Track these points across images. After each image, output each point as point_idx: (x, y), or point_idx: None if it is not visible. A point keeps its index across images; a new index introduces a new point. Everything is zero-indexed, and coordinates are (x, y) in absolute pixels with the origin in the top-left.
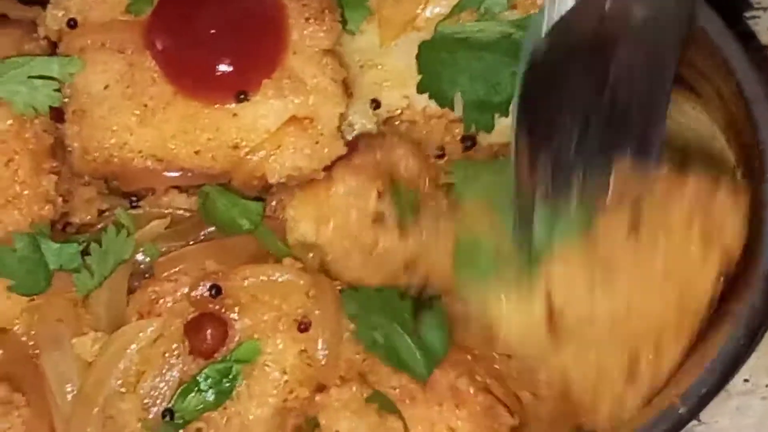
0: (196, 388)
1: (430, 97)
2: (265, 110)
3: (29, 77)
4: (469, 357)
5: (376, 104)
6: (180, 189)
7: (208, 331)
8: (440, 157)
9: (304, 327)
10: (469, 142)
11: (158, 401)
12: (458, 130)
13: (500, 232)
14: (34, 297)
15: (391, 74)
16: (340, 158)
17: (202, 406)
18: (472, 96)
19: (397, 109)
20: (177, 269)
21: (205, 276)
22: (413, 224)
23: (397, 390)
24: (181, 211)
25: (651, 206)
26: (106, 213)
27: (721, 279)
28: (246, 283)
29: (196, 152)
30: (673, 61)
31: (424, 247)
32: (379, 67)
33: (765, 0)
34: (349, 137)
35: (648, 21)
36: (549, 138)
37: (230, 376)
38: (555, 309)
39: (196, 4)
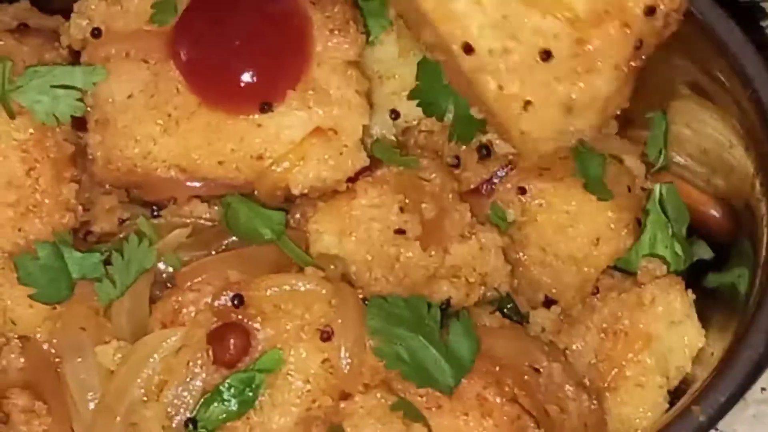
0: (219, 398)
1: (419, 104)
2: (290, 121)
3: (51, 86)
4: (497, 368)
5: (395, 114)
6: (201, 198)
7: (231, 341)
8: (455, 166)
9: (326, 336)
10: (484, 151)
11: (181, 410)
12: (474, 140)
13: None
14: (56, 305)
15: (410, 84)
16: (363, 170)
17: (225, 415)
18: (462, 111)
19: (414, 119)
20: (199, 279)
21: (227, 286)
22: None
23: (424, 398)
24: (202, 221)
25: None
26: (127, 222)
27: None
28: (268, 292)
29: (220, 162)
30: None
31: None
32: (398, 77)
33: None
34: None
35: None
36: None
37: (253, 386)
38: None
39: (220, 14)
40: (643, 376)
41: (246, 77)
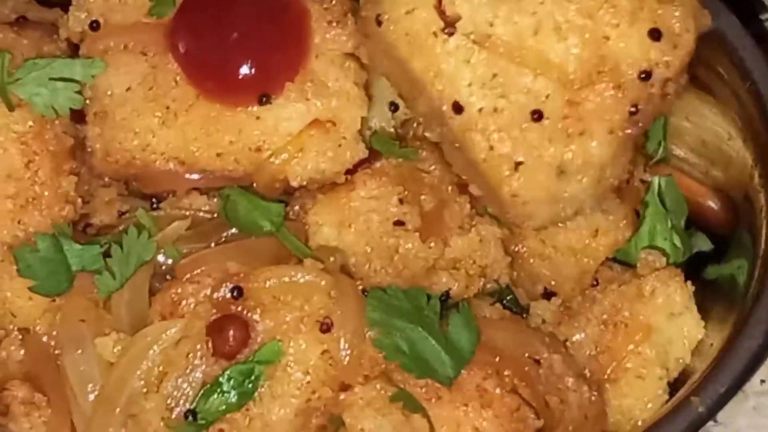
0: (219, 389)
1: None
2: (288, 113)
3: (50, 79)
4: (497, 359)
5: (394, 106)
6: (200, 191)
7: (231, 333)
8: None
9: (326, 327)
10: None
11: (181, 402)
12: None
13: None
14: (56, 298)
15: None
16: (361, 162)
17: (224, 407)
18: None
19: None
20: (199, 271)
21: (227, 277)
22: None
23: (423, 389)
24: (201, 213)
25: None
26: (127, 214)
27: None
28: (268, 284)
29: (219, 154)
30: None
31: None
32: None
33: None
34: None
35: None
36: None
37: (253, 377)
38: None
39: (219, 7)
40: (643, 367)
41: (244, 69)
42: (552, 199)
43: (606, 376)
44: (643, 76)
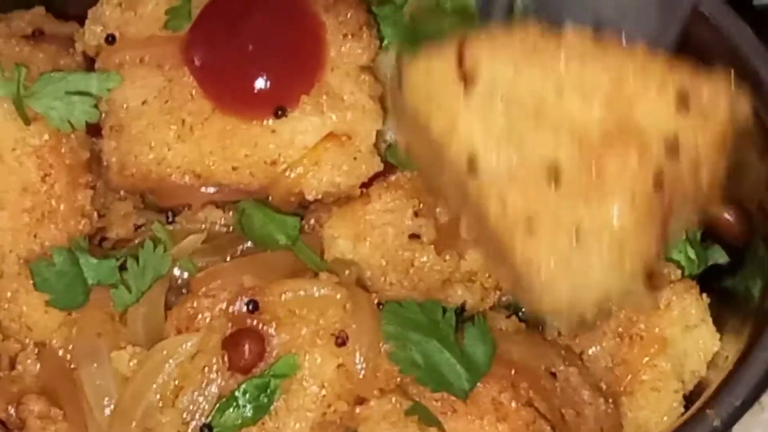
0: (235, 404)
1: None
2: (303, 126)
3: (66, 92)
4: (512, 372)
5: None
6: (216, 204)
7: (246, 347)
8: None
9: (341, 341)
10: None
11: (197, 416)
12: None
13: None
14: (72, 311)
15: None
16: (377, 175)
17: (240, 421)
18: None
19: None
20: (214, 285)
21: (242, 291)
22: None
23: (439, 402)
24: (217, 227)
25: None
26: (142, 228)
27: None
28: (283, 298)
29: (234, 168)
30: None
31: None
32: None
33: None
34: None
35: None
36: None
37: (268, 391)
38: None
39: (234, 20)
40: (659, 380)
41: (260, 83)
42: (569, 269)
43: (622, 389)
44: (668, 144)
